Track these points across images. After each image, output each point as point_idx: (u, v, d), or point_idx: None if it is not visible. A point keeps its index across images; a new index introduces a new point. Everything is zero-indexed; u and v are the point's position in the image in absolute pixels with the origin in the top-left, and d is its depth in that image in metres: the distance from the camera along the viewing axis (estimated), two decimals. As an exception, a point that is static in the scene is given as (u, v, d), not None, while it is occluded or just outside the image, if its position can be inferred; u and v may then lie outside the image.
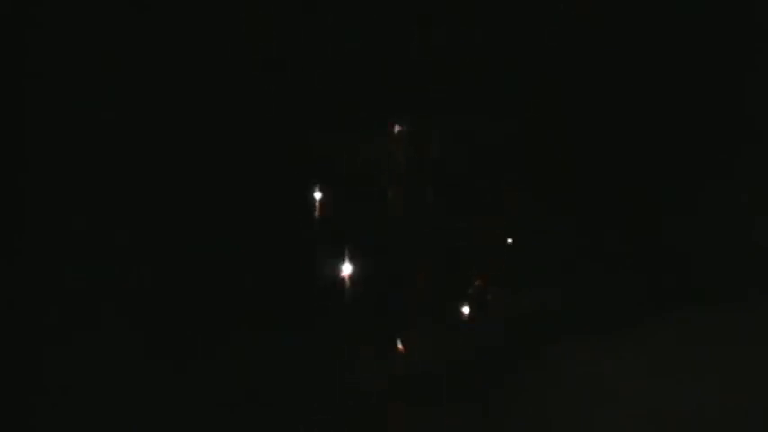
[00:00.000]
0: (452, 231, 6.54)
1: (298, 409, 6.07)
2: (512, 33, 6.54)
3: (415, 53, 6.51)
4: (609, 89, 6.54)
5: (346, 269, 6.39)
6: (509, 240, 6.60)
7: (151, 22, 6.29)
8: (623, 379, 5.98)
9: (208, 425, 5.98)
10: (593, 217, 6.50)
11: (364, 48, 6.46)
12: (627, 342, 6.13)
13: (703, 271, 6.35)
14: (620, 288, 6.40)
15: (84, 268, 6.19)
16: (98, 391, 5.97)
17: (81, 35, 6.22)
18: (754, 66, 6.57)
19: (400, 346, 6.29)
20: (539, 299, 6.37)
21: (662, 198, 6.53)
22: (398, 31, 6.49)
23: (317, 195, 6.47)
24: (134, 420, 5.90)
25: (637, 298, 6.36)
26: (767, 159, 6.49)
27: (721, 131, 6.54)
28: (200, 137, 6.40)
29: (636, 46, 6.56)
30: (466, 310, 6.44)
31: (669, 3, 6.57)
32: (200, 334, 6.21)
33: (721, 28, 6.57)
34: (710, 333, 6.11)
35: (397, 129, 6.56)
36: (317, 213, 6.46)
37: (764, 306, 6.15)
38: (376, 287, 6.40)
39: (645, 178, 6.55)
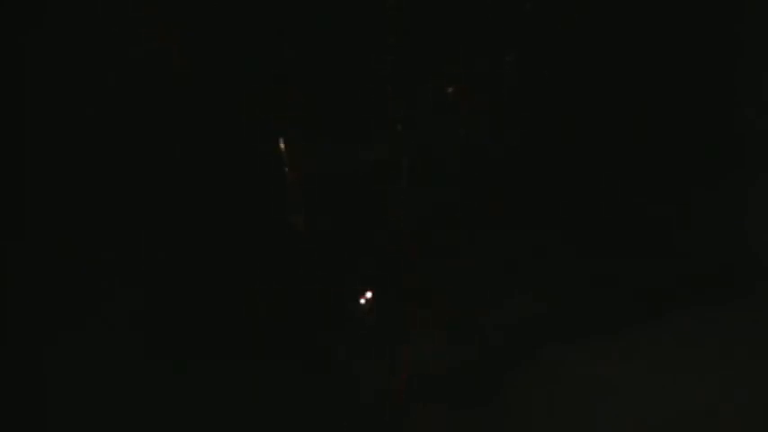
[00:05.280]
0: (449, 231, 6.56)
1: (296, 410, 6.07)
2: (509, 34, 6.57)
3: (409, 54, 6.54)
4: (607, 89, 6.56)
5: (345, 270, 6.41)
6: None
7: (147, 22, 6.31)
8: (623, 379, 5.98)
9: (206, 425, 5.98)
10: (592, 217, 6.51)
11: (362, 48, 6.48)
12: (626, 342, 6.13)
13: (703, 271, 6.36)
14: (620, 288, 6.40)
15: (81, 269, 6.21)
16: (97, 391, 5.98)
17: (80, 35, 6.24)
18: (754, 66, 6.59)
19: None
20: (537, 299, 6.38)
21: (661, 198, 6.54)
22: (396, 32, 6.51)
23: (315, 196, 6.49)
24: (132, 420, 5.91)
25: (636, 298, 6.36)
26: (767, 160, 6.50)
27: (721, 131, 6.56)
28: (199, 139, 6.42)
29: (634, 47, 6.58)
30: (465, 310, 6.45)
31: (670, 5, 6.59)
32: (198, 335, 6.22)
33: (722, 30, 6.59)
34: (710, 333, 6.11)
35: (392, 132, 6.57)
36: (316, 215, 6.48)
37: (764, 306, 6.16)
38: (373, 287, 6.42)
39: (644, 179, 6.57)
